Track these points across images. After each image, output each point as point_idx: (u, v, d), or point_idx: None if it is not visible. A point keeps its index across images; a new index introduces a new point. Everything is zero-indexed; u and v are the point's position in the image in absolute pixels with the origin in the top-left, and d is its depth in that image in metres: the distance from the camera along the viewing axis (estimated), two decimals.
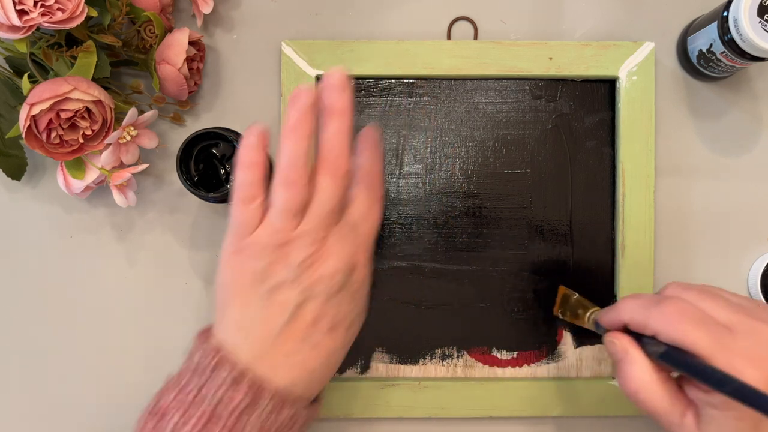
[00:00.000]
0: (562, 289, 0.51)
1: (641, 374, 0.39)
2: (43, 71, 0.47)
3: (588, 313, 0.47)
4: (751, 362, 0.36)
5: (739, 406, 0.35)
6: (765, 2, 0.44)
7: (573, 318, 0.50)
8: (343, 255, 0.39)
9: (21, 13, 0.41)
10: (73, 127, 0.46)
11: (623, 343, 0.40)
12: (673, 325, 0.37)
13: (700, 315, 0.37)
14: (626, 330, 0.41)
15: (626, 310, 0.40)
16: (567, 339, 0.53)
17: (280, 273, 0.38)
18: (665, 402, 0.38)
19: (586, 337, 0.53)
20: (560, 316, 0.51)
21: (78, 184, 0.48)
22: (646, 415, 0.40)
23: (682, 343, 0.36)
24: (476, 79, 0.53)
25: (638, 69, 0.52)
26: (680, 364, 0.37)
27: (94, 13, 0.44)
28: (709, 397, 0.37)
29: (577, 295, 0.50)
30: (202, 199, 0.46)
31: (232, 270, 0.40)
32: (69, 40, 0.46)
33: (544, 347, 0.53)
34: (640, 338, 0.40)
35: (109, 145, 0.47)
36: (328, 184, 0.39)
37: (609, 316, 0.42)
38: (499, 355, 0.53)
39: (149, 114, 0.48)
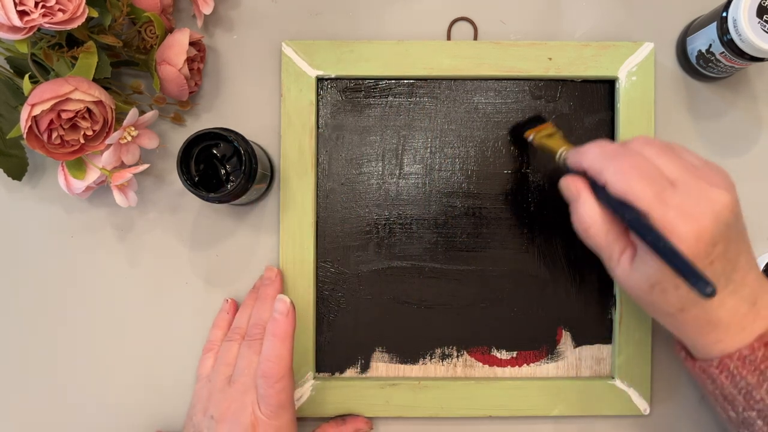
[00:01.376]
0: (551, 124, 0.51)
1: (591, 213, 0.43)
2: (44, 72, 0.47)
3: (561, 150, 0.47)
4: (685, 217, 0.38)
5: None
6: (764, 3, 0.45)
7: (542, 145, 0.49)
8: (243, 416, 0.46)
9: (22, 13, 0.41)
10: (74, 127, 0.46)
11: (577, 186, 0.44)
12: (623, 179, 0.40)
13: (650, 170, 0.40)
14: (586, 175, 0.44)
15: (587, 156, 0.43)
16: (566, 339, 0.53)
17: (203, 422, 0.47)
18: (609, 239, 0.42)
19: (586, 336, 0.53)
20: (529, 139, 0.51)
21: (79, 185, 0.48)
22: (593, 249, 0.44)
23: (626, 194, 0.40)
24: (476, 79, 0.53)
25: (638, 69, 0.52)
26: (620, 213, 0.40)
27: (95, 14, 0.44)
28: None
29: (561, 133, 0.50)
30: (203, 199, 0.46)
31: (194, 397, 0.50)
32: (70, 41, 0.46)
33: (543, 347, 0.53)
34: (595, 187, 0.43)
35: (110, 145, 0.47)
36: (244, 352, 0.48)
37: (574, 158, 0.45)
38: (498, 355, 0.53)
39: (150, 114, 0.48)
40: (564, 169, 0.46)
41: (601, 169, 0.41)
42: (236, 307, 0.53)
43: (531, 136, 0.50)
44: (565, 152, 0.46)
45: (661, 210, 0.39)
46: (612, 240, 0.42)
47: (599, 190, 0.42)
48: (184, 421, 0.49)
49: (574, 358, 0.53)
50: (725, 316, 0.41)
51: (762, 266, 0.52)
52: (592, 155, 0.43)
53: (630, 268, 0.42)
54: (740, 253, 0.41)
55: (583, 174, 0.44)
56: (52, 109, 0.43)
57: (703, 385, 0.45)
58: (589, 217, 0.43)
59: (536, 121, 0.52)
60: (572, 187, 0.44)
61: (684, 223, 0.38)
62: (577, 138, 0.53)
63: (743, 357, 0.41)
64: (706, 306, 0.41)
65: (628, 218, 0.40)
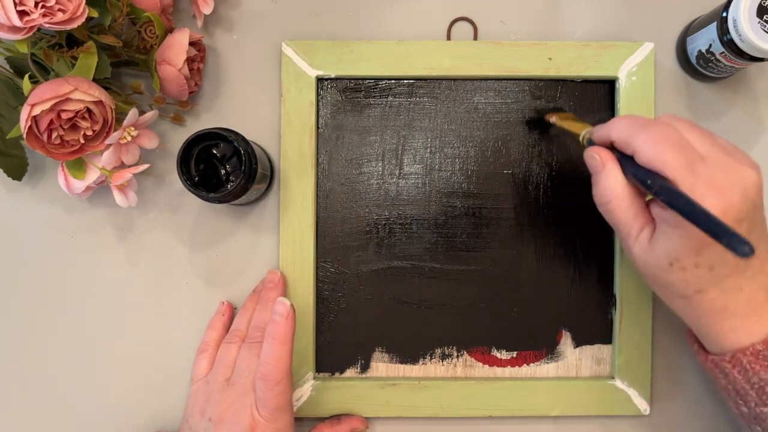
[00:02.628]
0: (571, 114, 0.51)
1: (615, 186, 0.41)
2: (43, 72, 0.47)
3: (585, 131, 0.46)
4: (714, 190, 0.38)
5: (687, 224, 0.38)
6: (764, 3, 0.45)
7: (564, 126, 0.49)
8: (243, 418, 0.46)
9: (22, 13, 0.41)
10: (74, 127, 0.46)
11: (603, 157, 0.42)
12: (653, 146, 0.39)
13: (681, 141, 0.39)
14: (612, 149, 0.43)
15: (616, 127, 0.42)
16: (566, 339, 0.53)
17: (200, 423, 0.47)
18: (630, 214, 0.41)
19: (586, 336, 0.53)
20: (551, 120, 0.50)
21: (79, 185, 0.48)
22: (611, 224, 0.43)
23: (656, 161, 0.39)
24: (476, 79, 0.53)
25: (638, 69, 0.52)
26: (648, 183, 0.39)
27: (95, 14, 0.44)
28: (666, 214, 0.39)
29: (584, 121, 0.49)
30: (203, 199, 0.46)
31: (190, 398, 0.50)
32: (70, 41, 0.46)
33: (543, 347, 0.53)
34: (622, 159, 0.42)
35: (110, 145, 0.47)
36: (244, 354, 0.48)
37: (600, 132, 0.44)
38: (498, 355, 0.53)
39: (150, 114, 0.48)
40: (587, 147, 0.45)
41: (630, 137, 0.40)
42: (232, 309, 0.53)
43: (553, 118, 0.50)
44: (589, 132, 0.45)
45: (690, 180, 0.38)
46: (632, 215, 0.41)
47: (625, 164, 0.41)
48: (180, 423, 0.49)
49: (574, 358, 0.53)
50: (742, 303, 0.41)
51: None
52: (622, 126, 0.42)
53: (649, 245, 0.41)
54: (761, 239, 0.41)
55: (610, 148, 0.43)
56: (52, 109, 0.43)
57: (716, 380, 0.44)
58: (611, 190, 0.42)
59: (556, 109, 0.53)
60: (598, 157, 0.43)
61: (712, 197, 0.37)
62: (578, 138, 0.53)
63: (757, 352, 0.41)
64: (724, 289, 0.40)
65: (657, 186, 0.38)
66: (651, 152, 0.39)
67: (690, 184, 0.38)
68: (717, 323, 0.42)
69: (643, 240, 0.41)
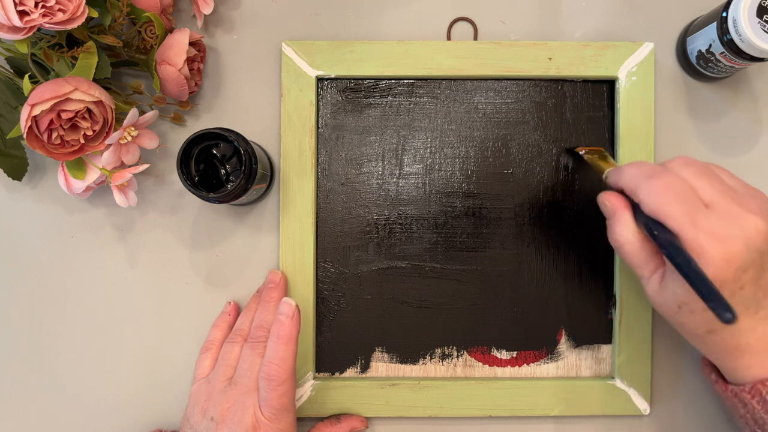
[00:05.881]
0: (603, 149, 0.52)
1: (625, 232, 0.43)
2: (44, 72, 0.47)
3: (607, 170, 0.47)
4: (715, 240, 0.38)
5: None
6: (764, 3, 0.45)
7: (592, 161, 0.50)
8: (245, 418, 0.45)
9: (22, 14, 0.41)
10: (74, 127, 0.46)
11: (614, 204, 0.44)
12: (656, 199, 0.40)
13: (685, 191, 0.40)
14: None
15: (624, 175, 0.43)
16: (566, 339, 0.53)
17: (201, 423, 0.47)
18: (641, 257, 0.43)
19: (586, 336, 0.53)
20: (581, 153, 0.51)
21: (79, 185, 0.48)
22: (628, 265, 0.44)
23: (659, 213, 0.40)
24: (476, 79, 0.53)
25: (638, 69, 0.52)
26: (652, 233, 0.40)
27: (95, 14, 0.44)
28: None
29: (611, 158, 0.50)
30: (203, 199, 0.46)
31: (192, 397, 0.49)
32: (70, 41, 0.46)
33: (543, 347, 0.53)
34: (634, 206, 0.43)
35: (110, 145, 0.47)
36: (247, 354, 0.48)
37: (613, 177, 0.45)
38: (498, 355, 0.53)
39: (150, 114, 0.48)
40: (608, 188, 0.46)
41: (636, 188, 0.42)
42: (238, 309, 0.53)
43: (583, 151, 0.51)
44: (608, 173, 0.46)
45: (692, 232, 0.38)
46: (645, 259, 0.42)
47: (637, 210, 0.42)
48: (181, 422, 0.49)
49: (574, 358, 0.53)
50: (755, 343, 0.41)
51: None
52: (629, 174, 0.43)
53: (660, 287, 0.42)
54: None
55: (623, 192, 0.44)
56: (52, 109, 0.43)
57: (734, 408, 0.44)
58: (622, 236, 0.43)
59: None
60: (609, 203, 0.44)
61: (713, 247, 0.38)
62: (577, 138, 0.53)
63: None
64: (735, 330, 0.41)
65: (659, 238, 0.40)
66: (653, 204, 0.40)
67: (692, 234, 0.38)
68: (731, 360, 0.42)
69: (655, 282, 0.42)
